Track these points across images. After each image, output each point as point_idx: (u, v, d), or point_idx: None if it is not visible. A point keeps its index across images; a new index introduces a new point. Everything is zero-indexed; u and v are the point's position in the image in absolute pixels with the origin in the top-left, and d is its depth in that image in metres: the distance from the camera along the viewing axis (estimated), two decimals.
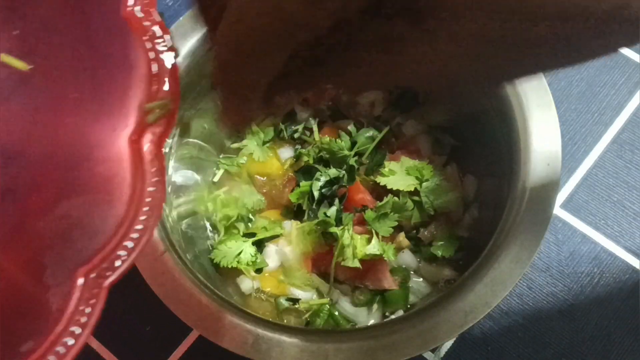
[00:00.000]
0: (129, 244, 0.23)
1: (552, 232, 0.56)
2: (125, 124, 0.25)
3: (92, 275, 0.23)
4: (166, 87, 0.25)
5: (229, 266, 0.51)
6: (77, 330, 0.22)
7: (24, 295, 0.23)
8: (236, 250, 0.52)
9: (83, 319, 0.22)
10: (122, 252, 0.23)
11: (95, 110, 0.25)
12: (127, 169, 0.24)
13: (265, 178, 0.57)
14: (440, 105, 0.57)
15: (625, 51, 0.61)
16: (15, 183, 0.25)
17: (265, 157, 0.57)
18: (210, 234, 0.55)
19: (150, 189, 0.24)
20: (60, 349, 0.22)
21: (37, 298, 0.23)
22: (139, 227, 0.24)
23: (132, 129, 0.25)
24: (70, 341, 0.22)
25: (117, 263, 0.23)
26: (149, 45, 0.24)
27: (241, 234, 0.54)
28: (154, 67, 0.24)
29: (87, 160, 0.25)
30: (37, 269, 0.24)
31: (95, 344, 0.55)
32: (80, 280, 0.22)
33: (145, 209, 0.24)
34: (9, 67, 0.25)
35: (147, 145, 0.25)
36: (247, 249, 0.52)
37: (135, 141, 0.24)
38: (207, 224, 0.56)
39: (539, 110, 0.43)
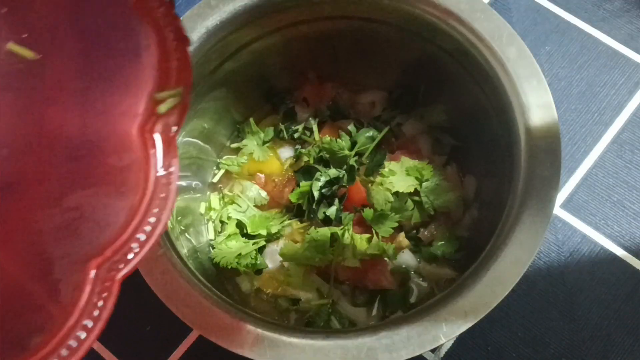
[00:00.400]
0: (142, 236, 0.23)
1: (552, 232, 0.56)
2: (136, 114, 0.24)
3: (104, 268, 0.22)
4: (177, 75, 0.24)
5: (229, 266, 0.51)
6: (89, 323, 0.22)
7: (28, 290, 0.23)
8: (236, 250, 0.52)
9: (95, 313, 0.22)
10: (134, 245, 0.23)
11: (104, 100, 0.25)
12: (138, 159, 0.24)
13: (264, 176, 0.57)
14: (440, 105, 0.57)
15: (625, 51, 0.61)
16: (17, 177, 0.24)
17: (265, 157, 0.57)
18: (210, 234, 0.55)
19: (163, 180, 0.24)
20: (73, 342, 0.21)
21: (44, 292, 0.23)
22: (152, 219, 0.23)
23: (143, 118, 0.24)
24: (83, 335, 0.22)
25: (130, 256, 0.23)
26: (159, 33, 0.24)
27: (242, 233, 0.54)
28: (165, 55, 0.24)
29: (97, 151, 0.24)
30: (45, 263, 0.23)
31: (96, 344, 0.55)
32: (92, 273, 0.22)
33: (157, 201, 0.24)
34: (14, 57, 0.25)
35: (159, 135, 0.24)
36: (247, 251, 0.52)
37: (146, 131, 0.24)
38: (208, 224, 0.56)
39: (539, 110, 0.43)
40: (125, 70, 0.25)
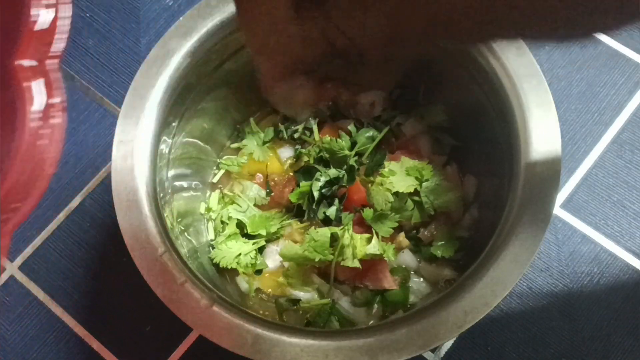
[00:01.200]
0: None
1: (552, 232, 0.56)
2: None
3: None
4: None
5: (228, 267, 0.51)
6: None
7: None
8: (236, 251, 0.52)
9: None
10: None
11: None
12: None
13: (262, 176, 0.57)
14: (440, 105, 0.57)
15: (625, 51, 0.61)
16: None
17: (265, 157, 0.57)
18: (210, 234, 0.55)
19: None
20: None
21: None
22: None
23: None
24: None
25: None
26: None
27: (242, 234, 0.54)
28: None
29: None
30: None
31: (96, 344, 0.55)
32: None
33: None
34: None
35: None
36: (247, 251, 0.52)
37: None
38: (208, 224, 0.56)
39: (539, 110, 0.43)
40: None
